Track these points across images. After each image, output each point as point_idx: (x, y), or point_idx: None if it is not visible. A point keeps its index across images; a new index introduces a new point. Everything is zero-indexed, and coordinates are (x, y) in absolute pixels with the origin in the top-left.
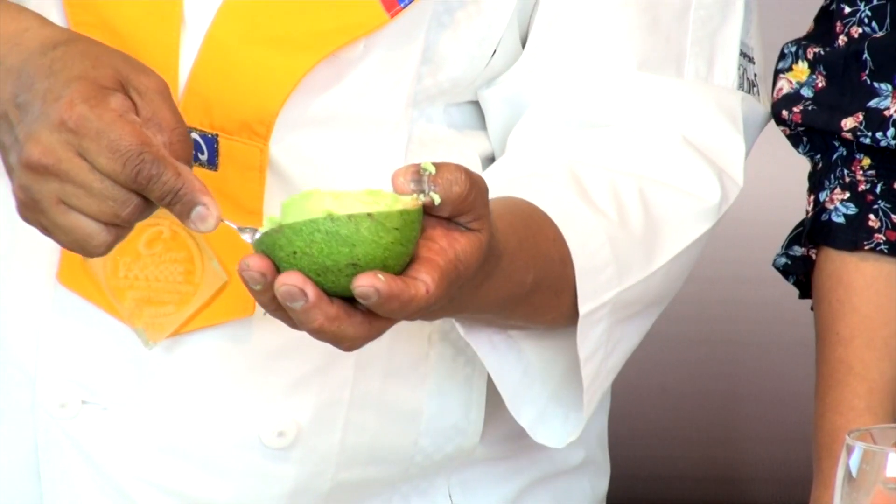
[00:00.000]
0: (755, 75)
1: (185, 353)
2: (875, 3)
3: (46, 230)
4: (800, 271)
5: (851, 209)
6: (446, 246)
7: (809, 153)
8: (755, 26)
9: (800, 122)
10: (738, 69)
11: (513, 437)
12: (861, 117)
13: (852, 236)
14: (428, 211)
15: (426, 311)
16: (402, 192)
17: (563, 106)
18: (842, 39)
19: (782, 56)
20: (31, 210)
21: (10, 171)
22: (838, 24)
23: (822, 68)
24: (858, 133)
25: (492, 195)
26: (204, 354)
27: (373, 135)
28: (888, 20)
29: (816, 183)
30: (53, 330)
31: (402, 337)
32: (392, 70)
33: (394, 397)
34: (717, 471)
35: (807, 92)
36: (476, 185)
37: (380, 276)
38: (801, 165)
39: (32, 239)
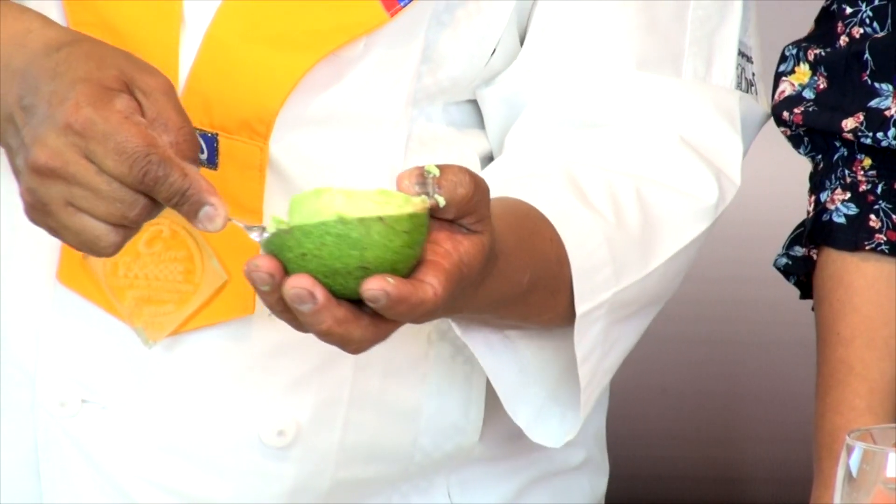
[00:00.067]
0: (753, 74)
1: (184, 352)
2: (876, 3)
3: (55, 232)
4: (801, 272)
5: (852, 209)
6: (451, 249)
7: (810, 154)
8: (753, 25)
9: (801, 123)
10: (737, 69)
11: (512, 437)
12: (862, 118)
13: (853, 236)
14: (432, 213)
15: (433, 314)
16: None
17: (560, 105)
18: (843, 40)
19: (783, 58)
20: (38, 212)
21: (16, 174)
22: (839, 24)
23: (823, 69)
24: (859, 133)
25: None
26: (204, 353)
27: (372, 133)
28: (889, 20)
29: (817, 183)
30: (53, 329)
31: (402, 336)
32: (392, 69)
33: (393, 396)
34: (717, 471)
35: (808, 94)
36: (479, 187)
37: (389, 279)
38: (801, 165)
39: (32, 238)
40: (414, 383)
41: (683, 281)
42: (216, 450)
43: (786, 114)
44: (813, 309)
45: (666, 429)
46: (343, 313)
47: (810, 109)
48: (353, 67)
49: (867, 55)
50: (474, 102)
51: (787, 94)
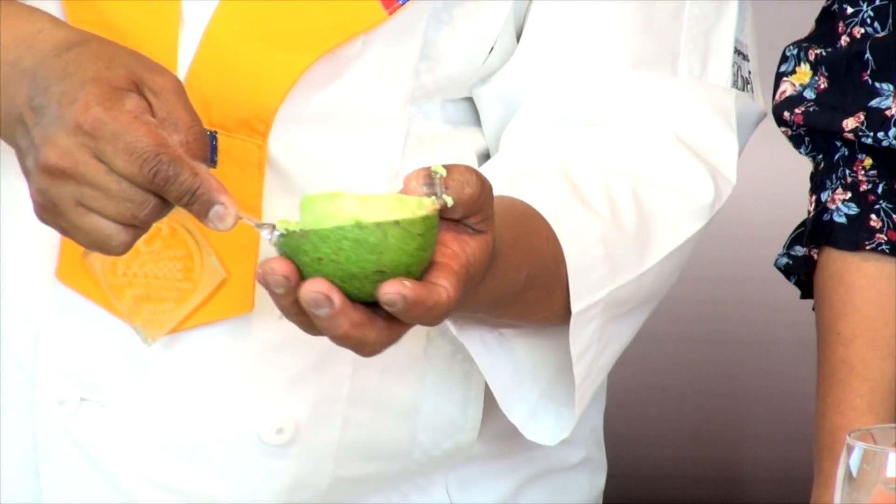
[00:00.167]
0: (749, 72)
1: (183, 350)
2: (877, 3)
3: (65, 232)
4: (801, 271)
5: (853, 209)
6: (458, 250)
7: (811, 153)
8: (749, 23)
9: (801, 123)
10: (733, 67)
11: (510, 435)
12: (862, 117)
13: (854, 236)
14: (439, 213)
15: (445, 316)
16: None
17: (556, 104)
18: (844, 40)
19: (784, 59)
20: (49, 212)
21: (27, 175)
22: (840, 24)
23: (824, 69)
24: (860, 133)
25: None
26: (203, 351)
27: (371, 131)
28: (890, 20)
29: (818, 183)
30: (52, 327)
31: None
32: (390, 67)
33: (392, 394)
34: (717, 471)
35: (809, 94)
36: (486, 186)
37: (406, 283)
38: (801, 165)
39: (31, 236)
40: (412, 381)
41: (684, 281)
42: (215, 447)
43: (787, 114)
44: (813, 309)
45: (666, 429)
46: (359, 317)
47: (811, 109)
48: (351, 65)
49: (868, 55)
50: (471, 100)
51: (787, 94)
